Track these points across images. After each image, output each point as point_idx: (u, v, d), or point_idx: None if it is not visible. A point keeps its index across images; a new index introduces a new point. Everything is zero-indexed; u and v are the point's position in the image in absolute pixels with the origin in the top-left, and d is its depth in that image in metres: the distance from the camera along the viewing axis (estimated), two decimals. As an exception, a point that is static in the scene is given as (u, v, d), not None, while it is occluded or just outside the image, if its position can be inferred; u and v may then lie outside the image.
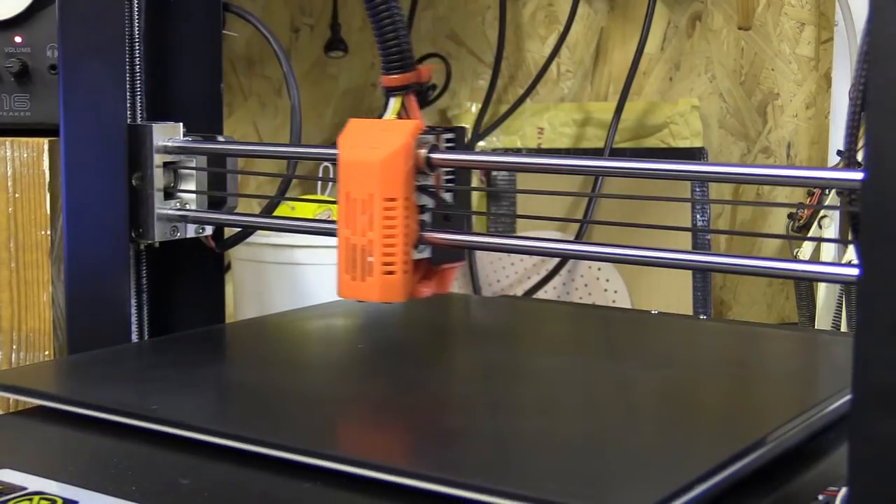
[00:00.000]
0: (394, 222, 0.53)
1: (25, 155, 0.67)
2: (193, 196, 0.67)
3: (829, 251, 0.94)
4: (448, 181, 0.57)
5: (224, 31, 0.74)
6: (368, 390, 0.56)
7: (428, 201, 0.56)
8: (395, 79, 0.56)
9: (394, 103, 0.57)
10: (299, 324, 0.73)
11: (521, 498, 0.38)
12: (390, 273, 0.54)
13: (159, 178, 0.66)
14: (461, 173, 0.58)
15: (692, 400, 0.54)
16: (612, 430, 0.49)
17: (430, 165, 0.55)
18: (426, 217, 0.55)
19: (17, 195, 0.67)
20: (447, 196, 0.57)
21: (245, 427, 0.47)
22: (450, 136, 0.57)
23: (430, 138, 0.55)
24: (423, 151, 0.54)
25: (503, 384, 0.57)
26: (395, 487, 0.41)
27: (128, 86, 0.65)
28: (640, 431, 0.49)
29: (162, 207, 0.66)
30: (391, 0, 0.55)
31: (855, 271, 0.39)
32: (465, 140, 0.59)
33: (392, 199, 0.53)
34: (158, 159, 0.66)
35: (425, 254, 0.56)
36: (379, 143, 0.54)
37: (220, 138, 0.70)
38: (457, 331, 0.76)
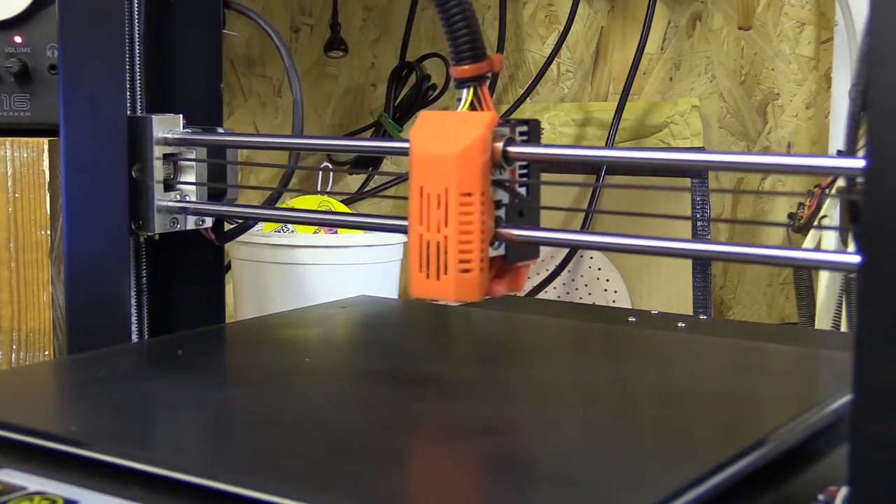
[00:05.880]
0: (471, 218, 0.51)
1: (25, 155, 0.67)
2: (193, 188, 0.67)
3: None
4: (522, 175, 0.54)
5: (224, 31, 0.74)
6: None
7: (504, 196, 0.53)
8: (466, 69, 0.53)
9: (467, 94, 0.54)
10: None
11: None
12: (466, 271, 0.51)
13: (159, 170, 0.66)
14: (533, 167, 0.55)
15: (690, 406, 0.53)
16: (610, 437, 0.48)
17: (507, 159, 0.52)
18: (501, 213, 0.53)
19: (17, 195, 0.67)
20: (522, 191, 0.54)
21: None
22: (523, 128, 0.54)
23: (506, 130, 0.52)
24: (500, 144, 0.51)
25: (500, 399, 0.54)
26: None
27: (128, 86, 0.65)
28: (637, 437, 0.48)
29: (162, 199, 0.66)
30: None
31: (856, 258, 0.39)
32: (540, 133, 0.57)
33: (468, 195, 0.51)
34: (158, 151, 0.66)
35: (500, 251, 0.53)
36: (454, 136, 0.51)
37: (220, 130, 0.70)
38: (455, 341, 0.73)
